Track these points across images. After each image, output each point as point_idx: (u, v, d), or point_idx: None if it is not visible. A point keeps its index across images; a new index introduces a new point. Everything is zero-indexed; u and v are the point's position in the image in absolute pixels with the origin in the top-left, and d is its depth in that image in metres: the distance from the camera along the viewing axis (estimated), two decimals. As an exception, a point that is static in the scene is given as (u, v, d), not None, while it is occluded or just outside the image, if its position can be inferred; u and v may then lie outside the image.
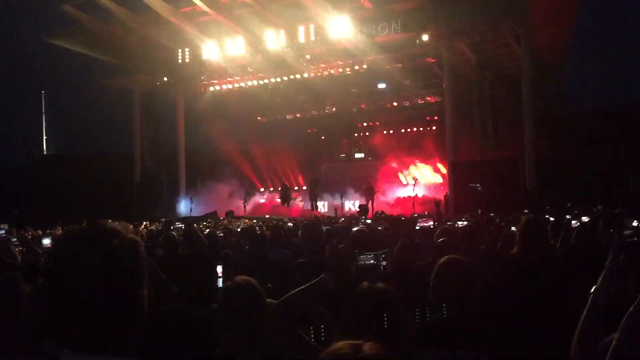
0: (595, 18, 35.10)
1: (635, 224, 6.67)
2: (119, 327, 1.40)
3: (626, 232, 2.46)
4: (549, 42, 21.56)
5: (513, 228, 6.82)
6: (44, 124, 38.56)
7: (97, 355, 1.36)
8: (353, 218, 16.69)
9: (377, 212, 18.57)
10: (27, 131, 41.40)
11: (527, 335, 3.16)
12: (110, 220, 1.56)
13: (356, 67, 21.27)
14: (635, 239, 2.38)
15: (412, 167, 25.44)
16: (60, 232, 15.42)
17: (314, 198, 23.52)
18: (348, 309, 2.30)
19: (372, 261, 4.45)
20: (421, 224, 7.44)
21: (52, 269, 1.43)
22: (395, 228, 7.29)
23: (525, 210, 15.13)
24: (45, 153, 36.37)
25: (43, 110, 39.15)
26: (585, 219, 8.36)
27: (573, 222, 7.80)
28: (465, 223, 7.84)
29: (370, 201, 21.97)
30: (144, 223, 16.97)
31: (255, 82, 23.08)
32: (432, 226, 7.35)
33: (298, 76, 22.16)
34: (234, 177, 25.43)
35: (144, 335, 1.48)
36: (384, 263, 4.43)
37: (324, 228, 8.23)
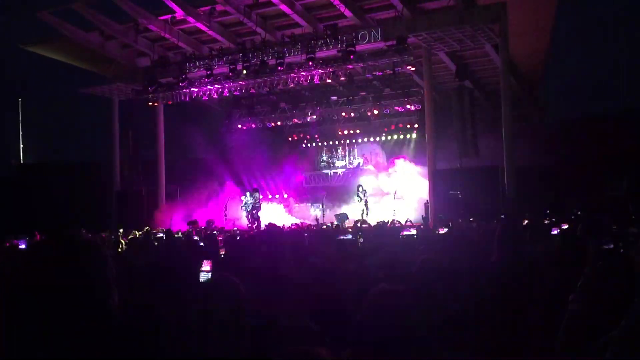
0: (573, 27, 35.64)
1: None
2: (89, 336, 1.37)
3: (605, 246, 2.46)
4: (527, 51, 21.86)
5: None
6: (20, 132, 38.02)
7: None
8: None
9: (357, 221, 18.59)
10: (3, 139, 40.80)
11: (506, 342, 3.16)
12: (82, 230, 1.53)
13: (336, 75, 21.33)
14: (612, 246, 2.39)
15: (392, 172, 25.58)
16: (37, 239, 15.20)
17: (255, 208, 23.40)
18: (365, 310, 2.25)
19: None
20: (404, 233, 7.42)
21: (20, 279, 1.39)
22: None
23: (502, 216, 15.29)
24: (22, 162, 35.86)
25: (20, 119, 38.61)
26: (565, 226, 8.42)
27: (553, 229, 7.85)
28: (446, 230, 7.86)
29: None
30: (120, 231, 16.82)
31: (235, 90, 23.03)
32: (415, 236, 7.32)
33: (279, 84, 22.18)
34: (214, 185, 25.30)
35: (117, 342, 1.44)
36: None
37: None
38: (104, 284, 1.44)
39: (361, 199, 23.19)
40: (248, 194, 23.92)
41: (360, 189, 23.52)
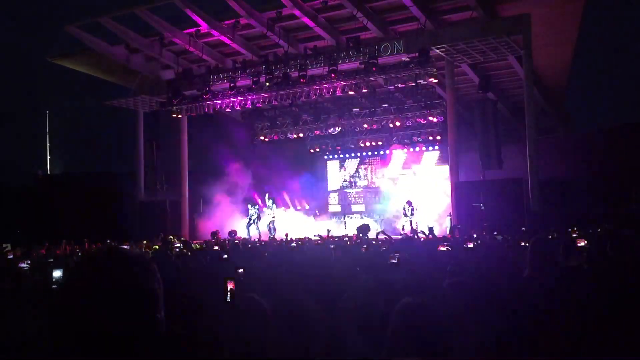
0: (596, 38, 35.33)
1: None
2: (138, 349, 1.39)
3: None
4: (551, 63, 21.70)
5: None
6: (48, 144, 38.66)
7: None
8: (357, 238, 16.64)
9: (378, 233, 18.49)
10: (31, 150, 41.55)
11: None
12: (121, 245, 1.55)
13: (359, 88, 21.36)
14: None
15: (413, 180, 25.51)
16: (64, 248, 15.39)
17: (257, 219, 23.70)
18: (393, 324, 2.26)
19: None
20: (440, 248, 7.41)
21: (69, 295, 1.42)
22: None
23: (522, 228, 15.13)
24: (49, 172, 36.43)
25: (47, 130, 39.27)
26: (591, 239, 8.29)
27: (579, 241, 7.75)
28: (473, 245, 7.82)
29: None
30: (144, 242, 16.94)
31: (258, 102, 23.16)
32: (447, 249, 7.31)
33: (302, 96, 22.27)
34: (236, 197, 25.40)
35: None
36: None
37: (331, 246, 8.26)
38: (153, 298, 1.46)
39: (406, 215, 22.79)
40: (250, 205, 24.23)
41: (407, 206, 23.10)
